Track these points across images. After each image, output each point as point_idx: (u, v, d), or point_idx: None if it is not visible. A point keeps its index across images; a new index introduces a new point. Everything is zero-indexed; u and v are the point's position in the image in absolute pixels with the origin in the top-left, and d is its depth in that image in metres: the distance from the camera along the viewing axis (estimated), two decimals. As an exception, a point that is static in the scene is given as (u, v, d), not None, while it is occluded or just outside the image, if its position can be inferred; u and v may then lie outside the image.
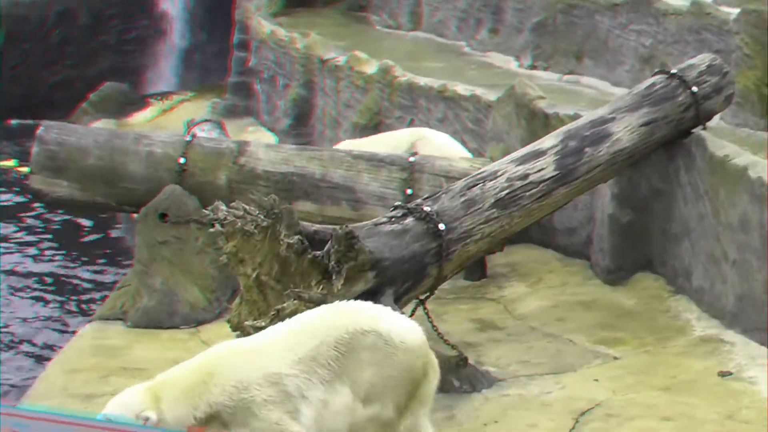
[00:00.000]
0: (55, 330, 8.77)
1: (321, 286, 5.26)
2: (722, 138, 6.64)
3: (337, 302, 4.67)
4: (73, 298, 9.37)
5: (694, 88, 6.65)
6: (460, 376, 5.86)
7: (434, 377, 4.54)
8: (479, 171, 6.23)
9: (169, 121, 12.43)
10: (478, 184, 6.03)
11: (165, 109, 13.18)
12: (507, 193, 6.06)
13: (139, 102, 13.45)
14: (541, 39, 9.57)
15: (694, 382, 5.74)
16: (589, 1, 9.10)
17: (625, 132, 6.49)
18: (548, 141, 6.39)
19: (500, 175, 6.11)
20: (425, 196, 5.99)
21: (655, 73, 6.85)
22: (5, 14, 14.62)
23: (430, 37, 10.98)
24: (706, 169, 6.42)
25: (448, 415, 5.60)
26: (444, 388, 5.79)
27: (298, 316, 4.58)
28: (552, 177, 6.21)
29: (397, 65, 9.34)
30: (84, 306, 9.16)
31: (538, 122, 7.52)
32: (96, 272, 9.90)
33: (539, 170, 6.20)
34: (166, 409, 4.10)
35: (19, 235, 10.73)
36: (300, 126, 10.69)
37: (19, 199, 11.33)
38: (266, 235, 5.35)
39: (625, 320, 6.54)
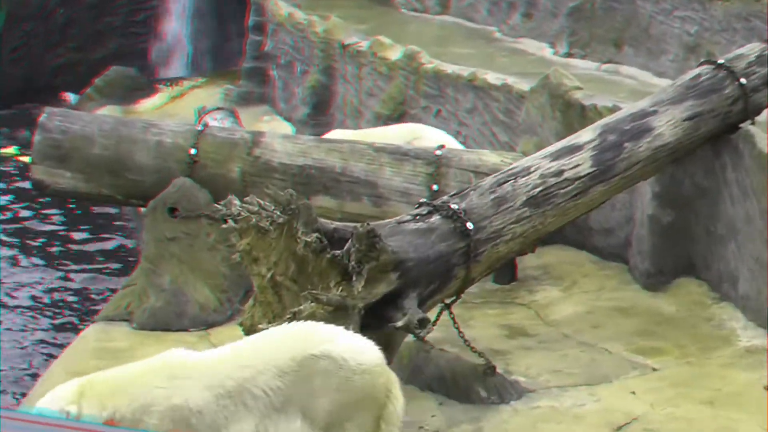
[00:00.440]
0: (57, 331, 8.81)
1: (340, 288, 5.27)
2: (772, 133, 6.62)
3: (288, 325, 4.75)
4: (76, 296, 9.40)
5: (743, 80, 6.63)
6: (488, 386, 5.86)
7: (398, 395, 4.59)
8: (510, 166, 6.23)
9: (178, 108, 12.45)
10: (509, 181, 6.03)
11: (174, 95, 13.20)
12: (540, 191, 6.06)
13: (147, 88, 13.47)
14: (578, 25, 9.55)
15: (738, 396, 5.73)
16: (630, -15, 9.09)
17: (667, 126, 6.48)
18: (585, 135, 6.39)
19: (533, 171, 6.11)
20: (452, 193, 6.00)
21: (701, 63, 6.84)
22: (5, -7, 14.68)
23: (459, 22, 10.97)
24: (755, 166, 6.40)
25: (474, 427, 5.61)
26: (470, 398, 5.81)
27: (256, 335, 4.68)
28: (588, 174, 6.21)
29: (423, 51, 9.34)
30: (87, 305, 9.19)
31: (574, 114, 7.51)
32: (101, 270, 9.93)
33: (575, 166, 6.20)
34: (84, 405, 4.35)
35: (18, 228, 10.77)
36: (318, 115, 10.70)
37: (20, 189, 11.37)
38: (282, 232, 5.36)
39: (666, 328, 6.53)
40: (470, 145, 8.34)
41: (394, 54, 9.59)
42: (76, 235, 10.65)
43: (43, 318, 9.01)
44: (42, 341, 8.65)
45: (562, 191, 6.12)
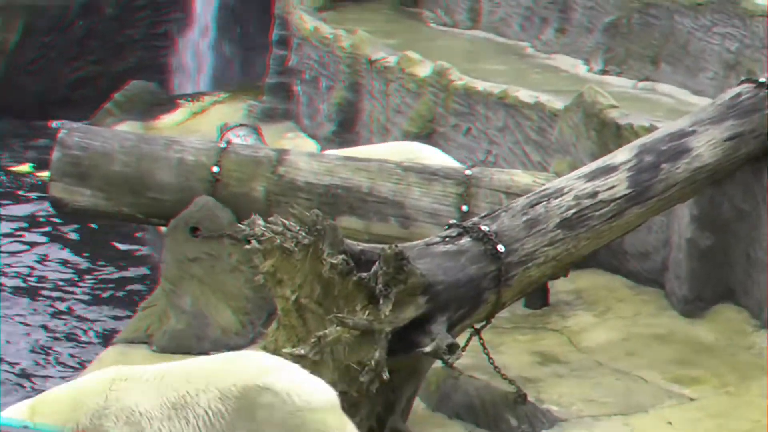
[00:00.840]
0: (74, 353, 8.85)
1: (367, 312, 5.30)
2: (815, 155, 6.62)
3: (236, 352, 4.86)
4: (95, 318, 9.45)
5: (785, 99, 6.63)
6: (518, 414, 5.87)
7: None
8: (543, 187, 6.25)
9: (200, 124, 12.51)
10: (541, 202, 6.05)
11: (196, 111, 13.25)
12: (574, 213, 6.07)
13: (168, 103, 13.52)
14: (614, 41, 9.56)
15: (779, 428, 5.71)
16: (669, 0, 9.10)
17: (707, 147, 6.48)
18: (620, 155, 6.40)
19: (566, 193, 6.12)
20: (483, 214, 6.01)
21: (742, 82, 6.83)
22: (23, 4, 14.76)
23: (490, 37, 11.00)
24: (797, 189, 6.40)
25: (504, 457, 5.61)
26: (500, 427, 5.82)
27: (207, 356, 4.81)
28: (624, 195, 6.22)
29: (453, 67, 9.37)
30: (106, 327, 9.23)
31: (609, 134, 7.52)
32: (120, 290, 9.98)
33: (610, 187, 6.21)
34: (38, 423, 4.52)
35: (35, 248, 10.83)
36: (344, 132, 10.74)
37: (37, 208, 11.43)
38: (307, 254, 5.39)
39: (704, 356, 6.52)
40: (501, 164, 8.37)
41: (423, 70, 9.62)
42: (95, 255, 10.70)
43: (62, 340, 9.06)
44: (61, 363, 8.70)
45: (596, 213, 6.13)
